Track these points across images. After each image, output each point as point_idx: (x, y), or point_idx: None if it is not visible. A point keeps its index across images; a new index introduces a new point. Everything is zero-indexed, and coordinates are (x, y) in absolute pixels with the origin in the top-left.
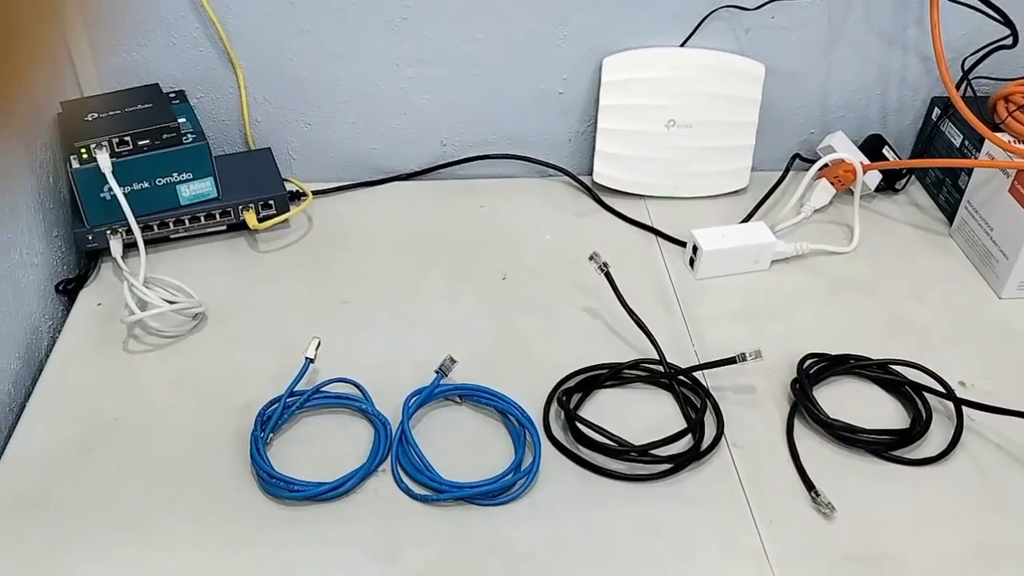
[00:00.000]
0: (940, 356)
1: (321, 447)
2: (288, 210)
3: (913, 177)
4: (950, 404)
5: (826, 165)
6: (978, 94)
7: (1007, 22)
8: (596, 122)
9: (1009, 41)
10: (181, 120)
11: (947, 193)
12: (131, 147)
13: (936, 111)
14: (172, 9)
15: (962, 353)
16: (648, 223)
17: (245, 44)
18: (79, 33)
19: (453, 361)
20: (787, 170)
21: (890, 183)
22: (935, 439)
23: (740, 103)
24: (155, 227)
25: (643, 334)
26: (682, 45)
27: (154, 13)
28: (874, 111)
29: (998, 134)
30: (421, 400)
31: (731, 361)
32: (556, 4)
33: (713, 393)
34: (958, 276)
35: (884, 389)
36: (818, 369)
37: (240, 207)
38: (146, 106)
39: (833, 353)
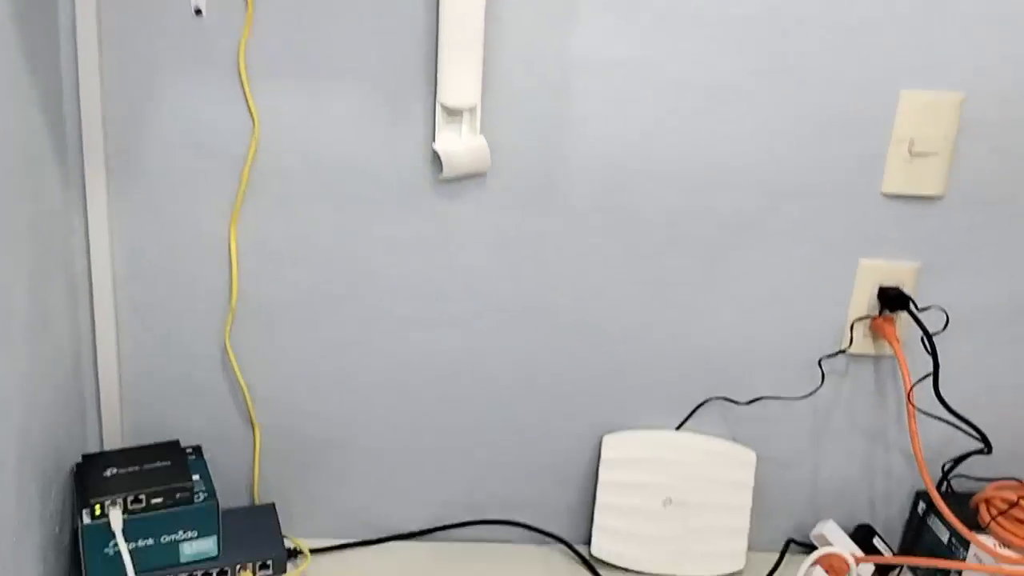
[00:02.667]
0: None
1: None
2: (285, 571)
3: (906, 567)
4: None
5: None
6: (961, 491)
7: (982, 437)
8: (595, 495)
9: (984, 449)
10: (195, 477)
11: None
12: (144, 505)
13: (922, 505)
14: (206, 374)
15: None
16: None
17: (267, 406)
18: (111, 389)
19: None
20: (782, 556)
21: (883, 572)
22: None
23: (733, 486)
24: None
25: None
26: (677, 428)
27: (188, 376)
28: (862, 500)
29: (982, 536)
30: None
31: None
32: (560, 386)
33: None
34: None
35: None
36: None
37: (238, 566)
38: (163, 463)
39: None
